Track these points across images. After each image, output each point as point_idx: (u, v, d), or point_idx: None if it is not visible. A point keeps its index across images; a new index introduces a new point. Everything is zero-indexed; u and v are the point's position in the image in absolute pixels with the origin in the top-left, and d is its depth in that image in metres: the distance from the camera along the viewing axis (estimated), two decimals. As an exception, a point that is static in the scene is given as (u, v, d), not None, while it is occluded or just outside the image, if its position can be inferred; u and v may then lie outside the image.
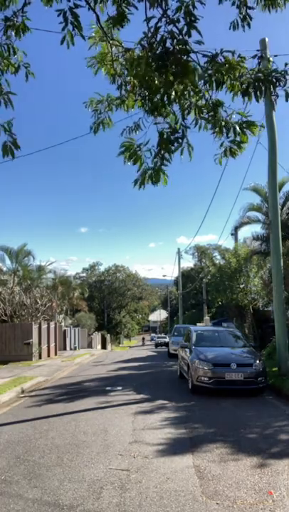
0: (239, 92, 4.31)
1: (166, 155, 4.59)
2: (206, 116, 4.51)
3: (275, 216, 12.11)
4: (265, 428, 6.52)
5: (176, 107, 4.61)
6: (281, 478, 4.38)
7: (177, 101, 4.39)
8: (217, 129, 4.48)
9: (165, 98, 4.28)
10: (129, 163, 4.67)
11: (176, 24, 3.93)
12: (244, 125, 4.44)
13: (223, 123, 4.45)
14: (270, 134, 11.67)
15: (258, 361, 9.83)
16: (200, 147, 4.76)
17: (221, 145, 4.60)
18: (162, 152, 4.57)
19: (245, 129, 4.45)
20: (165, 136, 4.57)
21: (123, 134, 5.07)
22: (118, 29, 4.47)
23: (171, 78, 4.02)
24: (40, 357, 22.16)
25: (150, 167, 4.68)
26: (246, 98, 4.31)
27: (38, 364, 18.66)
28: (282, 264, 11.95)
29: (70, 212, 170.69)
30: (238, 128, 4.42)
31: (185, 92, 4.26)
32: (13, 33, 4.48)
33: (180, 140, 4.56)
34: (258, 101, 4.27)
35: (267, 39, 11.56)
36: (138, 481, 4.31)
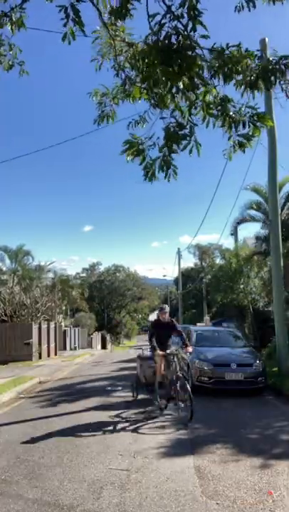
0: (242, 86, 4.22)
1: (174, 146, 4.51)
2: (215, 112, 4.42)
3: (275, 215, 12.11)
4: (265, 428, 6.52)
5: (183, 103, 4.55)
6: (281, 479, 4.38)
7: (183, 95, 4.31)
8: (226, 125, 4.39)
9: (174, 89, 4.22)
10: (130, 160, 4.60)
11: (181, 20, 3.85)
12: (255, 118, 4.36)
13: (232, 118, 4.35)
14: (270, 133, 11.67)
15: (257, 361, 9.83)
16: (205, 145, 4.66)
17: (229, 139, 4.50)
18: (169, 143, 4.50)
19: (256, 122, 4.37)
20: (172, 131, 4.50)
21: (129, 127, 5.04)
22: (122, 23, 4.40)
23: (176, 69, 3.94)
24: (40, 357, 22.16)
25: (158, 156, 4.57)
26: (246, 92, 4.23)
27: (38, 364, 18.66)
28: (282, 264, 11.95)
29: (71, 212, 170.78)
30: (248, 122, 4.32)
31: (192, 84, 4.15)
32: (9, 28, 4.43)
33: (188, 138, 4.48)
34: (269, 90, 4.12)
35: (267, 39, 11.55)
36: (138, 481, 4.31)
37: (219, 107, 4.39)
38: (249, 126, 4.39)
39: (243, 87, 4.35)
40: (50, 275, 39.74)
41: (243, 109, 4.38)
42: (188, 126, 4.54)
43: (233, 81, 4.30)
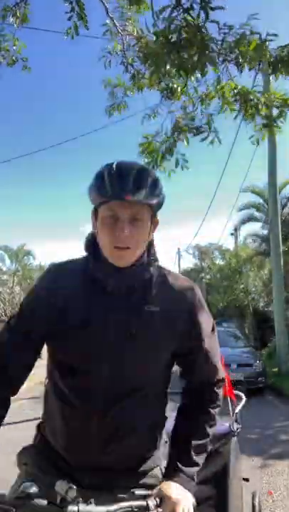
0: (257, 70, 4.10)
1: (181, 136, 4.46)
2: (237, 106, 4.30)
3: (275, 215, 12.11)
4: (265, 428, 6.52)
5: (195, 96, 4.48)
6: (281, 478, 4.38)
7: (197, 82, 4.22)
8: (248, 115, 4.27)
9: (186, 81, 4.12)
10: (146, 159, 4.57)
11: (191, 12, 3.74)
12: (282, 102, 4.26)
13: (254, 107, 4.21)
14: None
15: (258, 361, 9.84)
16: (204, 148, 4.57)
17: (255, 126, 4.41)
18: (176, 134, 4.46)
19: (283, 108, 4.27)
20: (184, 123, 4.45)
21: (143, 122, 5.00)
22: (135, 11, 4.31)
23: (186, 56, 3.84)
24: (40, 356, 22.12)
25: (168, 137, 4.53)
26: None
27: (38, 364, 18.65)
28: (282, 263, 11.96)
29: (72, 211, 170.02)
30: (274, 108, 4.21)
31: (205, 69, 4.02)
32: (14, 22, 4.42)
33: (207, 130, 4.40)
34: None
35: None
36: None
37: (238, 97, 4.24)
38: (280, 110, 4.24)
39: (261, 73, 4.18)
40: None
41: (266, 95, 4.24)
42: (204, 118, 4.46)
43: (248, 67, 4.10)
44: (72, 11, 3.97)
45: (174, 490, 1.07)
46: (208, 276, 22.96)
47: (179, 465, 1.16)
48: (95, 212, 1.21)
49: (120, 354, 1.19)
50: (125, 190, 1.10)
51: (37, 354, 1.41)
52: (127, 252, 1.15)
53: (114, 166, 1.15)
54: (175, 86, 4.47)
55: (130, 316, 1.19)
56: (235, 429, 2.31)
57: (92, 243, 1.25)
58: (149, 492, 1.05)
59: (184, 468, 1.16)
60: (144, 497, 1.00)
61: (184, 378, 1.38)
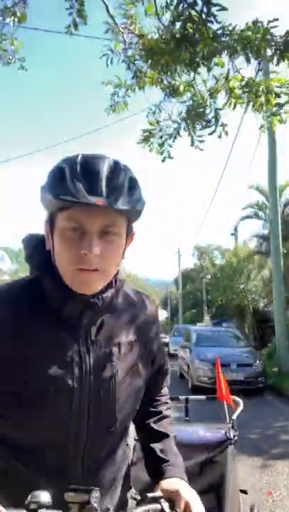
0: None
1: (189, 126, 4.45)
2: (245, 99, 4.28)
3: (276, 215, 12.11)
4: (265, 428, 6.52)
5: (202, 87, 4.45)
6: (281, 478, 4.38)
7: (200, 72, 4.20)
8: (257, 106, 4.25)
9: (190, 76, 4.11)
10: (149, 149, 4.54)
11: (195, 7, 3.66)
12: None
13: (263, 96, 4.20)
14: (270, 132, 11.68)
15: (257, 361, 9.84)
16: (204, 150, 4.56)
17: (264, 116, 4.40)
18: (189, 120, 4.43)
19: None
20: (194, 113, 4.44)
21: (148, 116, 5.00)
22: (133, 11, 4.31)
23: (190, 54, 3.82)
24: None
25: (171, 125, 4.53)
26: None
27: None
28: (282, 263, 11.96)
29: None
30: (284, 95, 4.20)
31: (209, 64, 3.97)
32: (12, 22, 4.42)
33: (214, 123, 4.38)
34: None
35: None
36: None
37: (247, 89, 4.23)
38: (280, 97, 4.20)
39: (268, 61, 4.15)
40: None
41: (273, 83, 4.21)
42: (212, 111, 4.44)
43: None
44: (71, 8, 3.98)
45: (179, 485, 0.97)
46: (208, 276, 22.96)
47: (166, 458, 1.05)
48: (50, 222, 0.90)
49: (102, 408, 0.94)
50: (95, 191, 0.81)
51: None
52: (95, 276, 0.86)
53: (78, 159, 0.85)
54: (178, 83, 4.47)
55: (108, 354, 0.95)
56: (232, 436, 2.13)
57: (43, 258, 0.94)
58: (160, 493, 0.94)
59: (174, 463, 1.05)
60: (156, 499, 0.91)
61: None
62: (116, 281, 0.96)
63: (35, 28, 5.91)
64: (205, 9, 3.58)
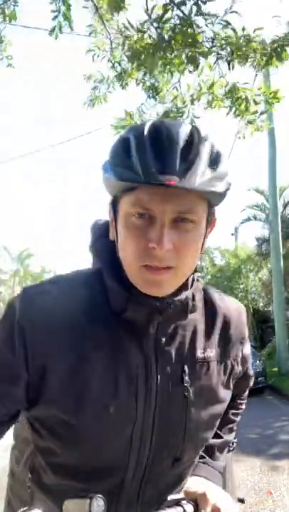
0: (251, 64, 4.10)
1: None
2: (227, 103, 4.27)
3: (275, 216, 12.12)
4: (265, 428, 6.53)
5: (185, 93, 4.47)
6: (281, 478, 4.39)
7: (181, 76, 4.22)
8: (239, 111, 4.25)
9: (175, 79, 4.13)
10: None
11: (183, 8, 3.64)
12: (270, 96, 4.25)
13: (243, 104, 4.22)
14: (270, 133, 11.70)
15: (258, 361, 9.84)
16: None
17: (245, 122, 4.42)
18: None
19: (270, 101, 4.27)
20: (171, 115, 4.45)
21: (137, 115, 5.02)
22: (117, 13, 4.32)
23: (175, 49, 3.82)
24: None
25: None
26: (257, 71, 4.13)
27: None
28: (282, 264, 11.97)
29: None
30: (261, 100, 4.22)
31: (194, 63, 3.97)
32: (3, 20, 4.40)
33: None
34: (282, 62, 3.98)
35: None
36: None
37: (229, 95, 4.26)
38: (268, 104, 4.26)
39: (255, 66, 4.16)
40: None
41: (254, 91, 4.23)
42: (188, 117, 4.46)
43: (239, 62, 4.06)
44: (58, 11, 3.92)
45: (205, 486, 0.84)
46: (208, 277, 22.98)
47: (206, 457, 0.91)
48: (114, 207, 0.74)
49: (168, 436, 0.77)
50: (167, 168, 0.64)
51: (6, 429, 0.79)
52: (166, 275, 0.69)
53: (146, 128, 0.68)
54: (160, 85, 4.48)
55: (179, 371, 0.77)
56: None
57: (107, 249, 0.78)
58: (181, 495, 0.79)
59: (209, 461, 0.92)
60: (178, 502, 0.77)
61: None
62: (193, 280, 0.79)
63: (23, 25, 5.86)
64: (194, 8, 3.55)
